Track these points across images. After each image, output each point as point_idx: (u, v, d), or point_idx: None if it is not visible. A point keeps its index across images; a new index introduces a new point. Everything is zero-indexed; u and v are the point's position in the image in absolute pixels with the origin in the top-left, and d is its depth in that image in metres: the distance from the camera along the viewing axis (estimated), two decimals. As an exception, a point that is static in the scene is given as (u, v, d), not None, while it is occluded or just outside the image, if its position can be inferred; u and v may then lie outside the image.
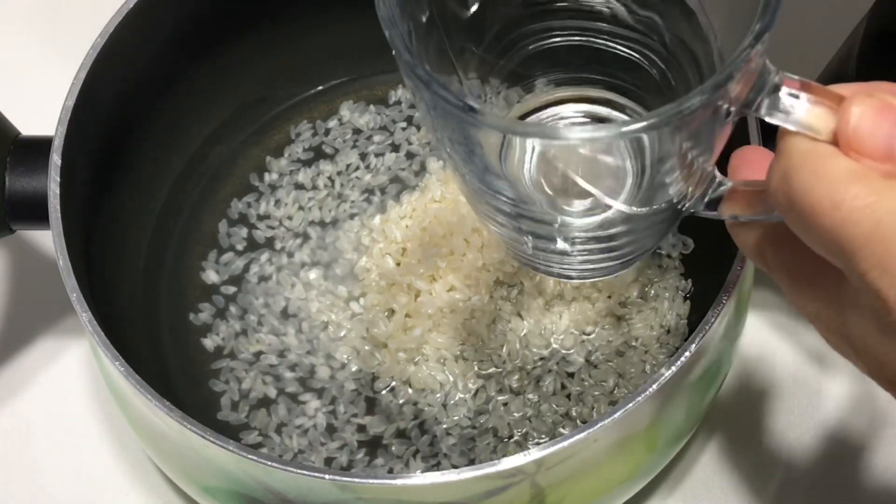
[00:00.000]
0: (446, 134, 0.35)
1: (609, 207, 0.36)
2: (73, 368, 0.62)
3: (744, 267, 0.48)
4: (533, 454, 0.44)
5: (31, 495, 0.58)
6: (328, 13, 0.64)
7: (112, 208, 0.58)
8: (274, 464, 0.44)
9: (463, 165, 0.36)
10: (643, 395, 0.45)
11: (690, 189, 0.37)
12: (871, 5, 0.55)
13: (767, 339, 0.60)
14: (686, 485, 0.57)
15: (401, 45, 0.33)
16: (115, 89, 0.56)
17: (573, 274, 0.41)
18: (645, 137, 0.32)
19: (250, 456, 0.44)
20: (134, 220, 0.61)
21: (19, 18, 0.74)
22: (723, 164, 0.38)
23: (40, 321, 0.63)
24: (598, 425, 0.44)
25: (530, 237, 0.39)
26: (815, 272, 0.35)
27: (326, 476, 0.44)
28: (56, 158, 0.52)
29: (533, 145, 0.36)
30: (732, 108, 0.33)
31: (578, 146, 0.33)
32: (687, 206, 0.38)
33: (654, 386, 0.45)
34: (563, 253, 0.39)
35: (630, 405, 0.44)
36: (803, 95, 0.33)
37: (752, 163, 0.38)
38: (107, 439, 0.60)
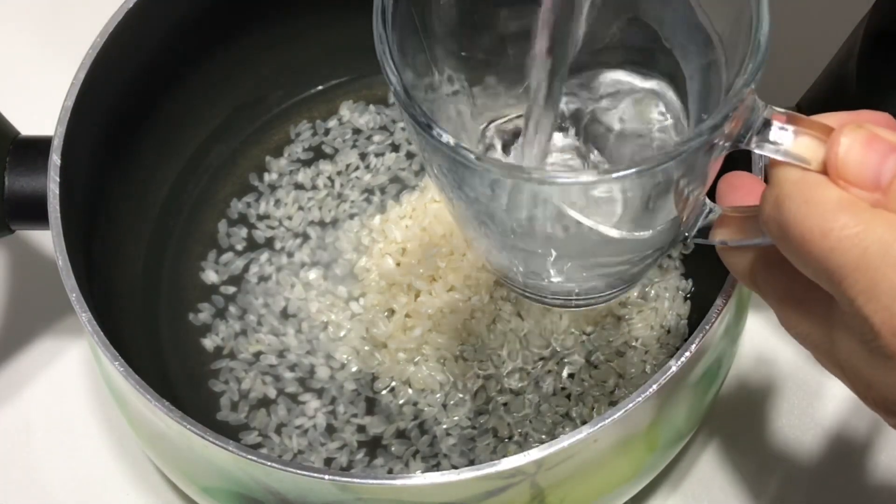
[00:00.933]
0: (436, 162, 0.35)
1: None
2: (73, 368, 0.62)
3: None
4: (533, 454, 0.44)
5: (31, 495, 0.58)
6: (328, 13, 0.64)
7: (112, 208, 0.58)
8: (273, 464, 0.44)
9: (451, 191, 0.36)
10: (643, 395, 0.45)
11: (683, 217, 0.38)
12: (871, 5, 0.55)
13: (767, 339, 0.60)
14: (686, 485, 0.57)
15: (394, 80, 0.35)
16: (115, 89, 0.56)
17: (560, 302, 0.42)
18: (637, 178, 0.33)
19: (250, 456, 0.44)
20: (134, 220, 0.61)
21: (19, 18, 0.74)
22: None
23: (40, 321, 0.63)
24: (598, 425, 0.44)
25: (520, 265, 0.39)
26: (805, 295, 0.36)
27: (326, 476, 0.44)
28: (56, 158, 0.52)
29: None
30: (726, 144, 0.34)
31: (573, 189, 0.34)
32: (678, 233, 0.39)
33: (654, 386, 0.45)
34: (554, 281, 0.40)
35: (630, 405, 0.44)
36: (791, 128, 0.34)
37: (739, 188, 0.39)
38: (107, 439, 0.60)
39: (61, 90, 0.53)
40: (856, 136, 0.33)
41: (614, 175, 0.32)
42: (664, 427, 0.49)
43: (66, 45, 0.64)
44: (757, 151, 0.34)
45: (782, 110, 0.34)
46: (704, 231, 0.39)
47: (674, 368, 0.45)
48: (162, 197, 0.63)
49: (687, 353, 0.46)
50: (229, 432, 0.57)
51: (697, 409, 0.52)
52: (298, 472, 0.44)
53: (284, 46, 0.65)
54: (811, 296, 0.35)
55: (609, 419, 0.44)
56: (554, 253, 0.37)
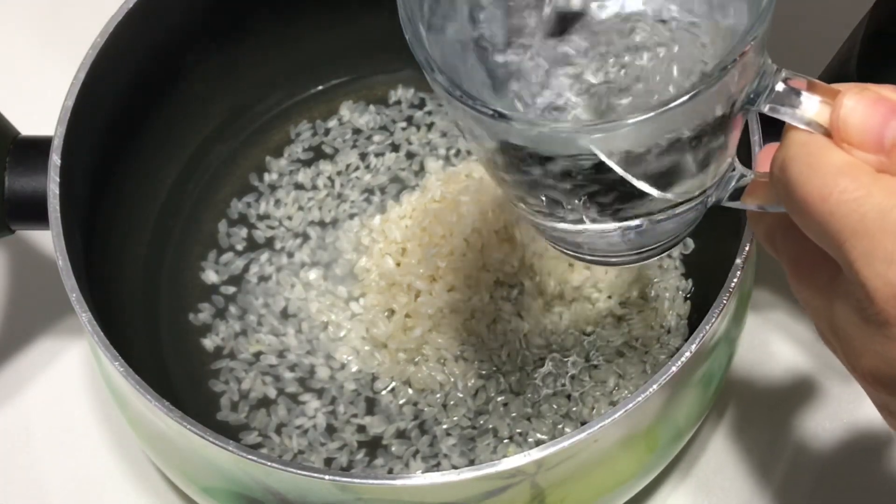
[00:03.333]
0: (476, 130, 0.36)
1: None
2: (73, 368, 0.62)
3: (744, 267, 0.48)
4: (533, 454, 0.44)
5: (31, 495, 0.58)
6: (328, 13, 0.64)
7: (112, 208, 0.58)
8: (273, 464, 0.44)
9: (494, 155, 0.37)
10: (643, 396, 0.45)
11: (710, 179, 0.38)
12: (871, 5, 0.55)
13: (767, 339, 0.60)
14: (686, 485, 0.57)
15: (423, 58, 0.35)
16: (115, 89, 0.56)
17: (598, 258, 0.43)
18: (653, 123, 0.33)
19: (250, 456, 0.44)
20: (134, 219, 0.61)
21: (19, 18, 0.73)
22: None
23: (40, 321, 0.63)
24: (598, 425, 0.44)
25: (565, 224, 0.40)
26: (815, 263, 0.36)
27: (326, 476, 0.44)
28: (56, 158, 0.52)
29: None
30: (736, 101, 0.35)
31: (606, 132, 0.34)
32: (711, 196, 0.39)
33: (654, 386, 0.45)
34: (599, 236, 0.40)
35: (630, 405, 0.44)
36: (804, 92, 0.34)
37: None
38: (107, 439, 0.60)
39: (61, 90, 0.53)
40: (860, 97, 0.33)
41: (629, 120, 0.33)
42: (664, 427, 0.49)
43: (66, 45, 0.64)
44: (769, 114, 0.35)
45: (795, 74, 0.34)
46: (737, 194, 0.39)
47: (674, 368, 0.45)
48: (162, 197, 0.63)
49: (687, 353, 0.46)
50: (229, 432, 0.57)
51: (697, 409, 0.52)
52: (298, 472, 0.44)
53: (284, 46, 0.65)
54: (820, 265, 0.36)
55: (609, 419, 0.44)
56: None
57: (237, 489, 0.47)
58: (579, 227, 0.39)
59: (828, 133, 0.33)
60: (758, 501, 0.56)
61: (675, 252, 0.60)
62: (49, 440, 0.60)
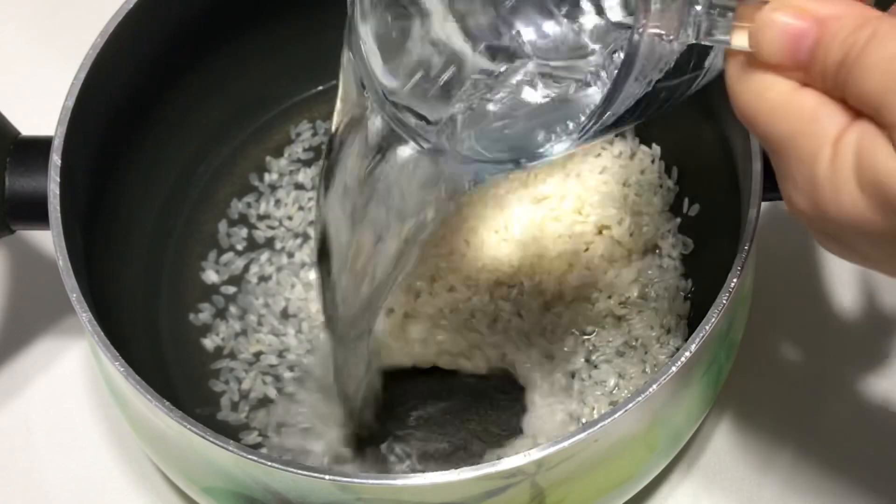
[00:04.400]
0: None
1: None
2: (73, 368, 0.62)
3: (744, 267, 0.48)
4: (533, 454, 0.44)
5: (31, 495, 0.58)
6: (328, 13, 0.64)
7: (112, 208, 0.58)
8: (274, 464, 0.44)
9: None
10: (643, 395, 0.45)
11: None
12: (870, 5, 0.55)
13: (767, 339, 0.60)
14: (679, 493, 0.57)
15: None
16: (116, 89, 0.56)
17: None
18: None
19: (250, 456, 0.44)
20: (134, 219, 0.61)
21: (19, 18, 0.73)
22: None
23: (40, 321, 0.63)
24: (598, 425, 0.44)
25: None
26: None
27: (326, 476, 0.44)
28: (56, 158, 0.52)
29: None
30: (671, 37, 0.35)
31: None
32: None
33: (654, 386, 0.45)
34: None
35: (630, 405, 0.44)
36: (730, 14, 0.35)
37: None
38: (107, 439, 0.60)
39: (61, 90, 0.53)
40: (770, 17, 0.34)
41: None
42: (664, 427, 0.49)
43: (66, 45, 0.64)
44: (704, 43, 0.35)
45: None
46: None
47: (674, 368, 0.45)
48: (162, 197, 0.63)
49: (687, 353, 0.46)
50: (230, 432, 0.57)
51: (697, 409, 0.52)
52: (299, 472, 0.44)
53: (285, 46, 0.65)
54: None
55: (609, 419, 0.44)
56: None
57: (237, 489, 0.47)
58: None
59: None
60: (760, 499, 0.56)
61: (675, 252, 0.60)
62: (49, 440, 0.60)
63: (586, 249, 0.59)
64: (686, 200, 0.60)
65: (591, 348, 0.58)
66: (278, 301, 0.61)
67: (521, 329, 0.57)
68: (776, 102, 0.34)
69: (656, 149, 0.62)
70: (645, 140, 0.62)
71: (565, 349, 0.57)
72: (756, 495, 0.56)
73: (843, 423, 0.58)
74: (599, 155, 0.61)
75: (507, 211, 0.59)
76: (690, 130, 0.58)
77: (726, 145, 0.54)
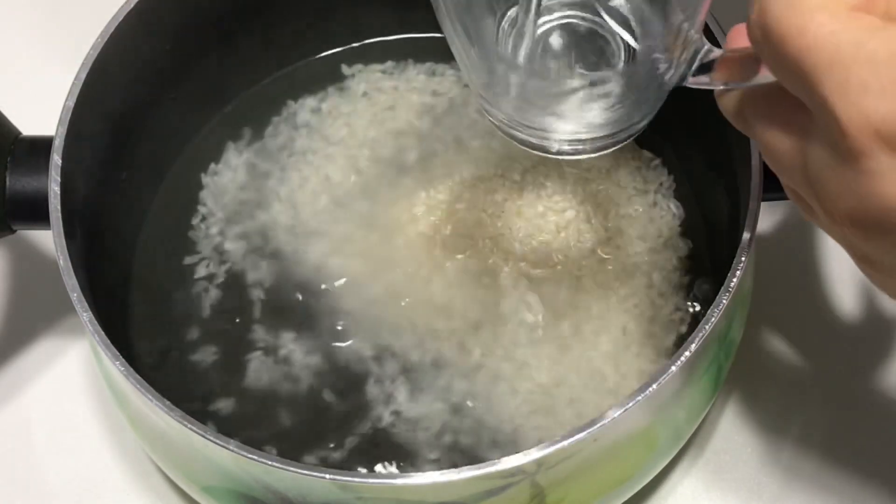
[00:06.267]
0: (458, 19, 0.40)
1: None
2: (73, 368, 0.62)
3: (744, 267, 0.48)
4: (533, 454, 0.44)
5: (31, 495, 0.58)
6: (328, 12, 0.64)
7: (113, 208, 0.58)
8: (274, 463, 0.44)
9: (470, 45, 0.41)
10: (643, 395, 0.45)
11: (676, 55, 0.40)
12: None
13: (767, 339, 0.60)
14: (681, 489, 0.57)
15: None
16: (116, 89, 0.56)
17: (564, 147, 0.45)
18: None
19: (250, 456, 0.44)
20: (134, 219, 0.61)
21: (19, 18, 0.74)
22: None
23: (40, 321, 0.63)
24: (598, 424, 0.44)
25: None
26: (786, 121, 0.37)
27: (327, 475, 0.44)
28: (56, 158, 0.52)
29: None
30: None
31: None
32: (673, 74, 0.41)
33: (654, 386, 0.45)
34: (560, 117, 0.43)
35: (630, 404, 0.44)
36: None
37: (744, 34, 0.40)
38: (107, 439, 0.60)
39: (62, 90, 0.53)
40: None
41: None
42: (664, 426, 0.49)
43: (66, 45, 0.64)
44: None
45: None
46: (706, 68, 0.40)
47: (673, 368, 0.45)
48: (162, 196, 0.63)
49: (687, 353, 0.46)
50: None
51: (697, 408, 0.52)
52: (299, 471, 0.44)
53: (285, 46, 0.65)
54: (791, 118, 0.36)
55: (609, 419, 0.44)
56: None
57: (238, 488, 0.47)
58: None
59: None
60: (760, 498, 0.56)
61: (675, 252, 0.60)
62: (49, 440, 0.60)
63: (586, 249, 0.59)
64: (686, 200, 0.60)
65: (590, 348, 0.57)
66: (278, 301, 0.61)
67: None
68: (825, 27, 0.33)
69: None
70: (646, 144, 0.62)
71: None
72: (756, 494, 0.56)
73: (842, 422, 0.58)
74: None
75: (506, 214, 0.59)
76: (690, 130, 0.58)
77: (726, 144, 0.54)
